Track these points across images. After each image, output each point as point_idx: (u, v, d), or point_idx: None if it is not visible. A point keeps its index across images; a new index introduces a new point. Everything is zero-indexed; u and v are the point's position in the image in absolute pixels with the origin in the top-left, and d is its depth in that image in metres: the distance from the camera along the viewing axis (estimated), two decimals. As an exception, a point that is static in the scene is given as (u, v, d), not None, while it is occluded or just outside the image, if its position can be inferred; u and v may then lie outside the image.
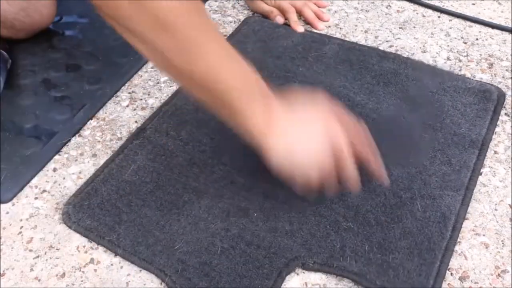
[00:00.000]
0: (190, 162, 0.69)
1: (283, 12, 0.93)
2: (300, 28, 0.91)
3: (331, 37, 0.89)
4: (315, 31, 0.92)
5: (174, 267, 0.59)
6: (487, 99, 0.76)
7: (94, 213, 0.64)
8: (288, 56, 0.85)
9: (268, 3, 0.94)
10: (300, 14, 0.94)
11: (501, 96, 0.77)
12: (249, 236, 0.61)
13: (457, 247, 0.61)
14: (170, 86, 0.82)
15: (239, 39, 0.89)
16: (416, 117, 0.74)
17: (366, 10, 0.96)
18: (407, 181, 0.66)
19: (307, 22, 0.94)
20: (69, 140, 0.74)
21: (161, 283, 0.58)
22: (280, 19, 0.93)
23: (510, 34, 0.90)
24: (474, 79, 0.80)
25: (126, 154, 0.71)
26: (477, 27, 0.92)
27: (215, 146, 0.71)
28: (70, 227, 0.63)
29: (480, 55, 0.86)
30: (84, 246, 0.62)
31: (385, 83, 0.79)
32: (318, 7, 0.96)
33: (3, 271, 0.60)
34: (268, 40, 0.88)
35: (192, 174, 0.68)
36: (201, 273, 0.58)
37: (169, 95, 0.80)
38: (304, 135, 0.56)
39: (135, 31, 0.50)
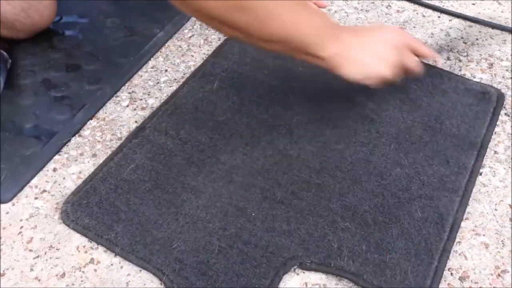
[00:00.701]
0: (189, 161, 0.69)
1: (283, 12, 0.93)
2: (300, 28, 0.90)
3: (331, 37, 0.89)
4: (315, 31, 0.91)
5: (172, 266, 0.59)
6: (487, 101, 0.76)
7: (93, 211, 0.64)
8: (288, 56, 0.85)
9: (268, 3, 0.94)
10: (300, 14, 0.94)
11: (501, 97, 0.77)
12: (246, 236, 0.61)
13: (457, 247, 0.61)
14: (170, 86, 0.82)
15: (240, 38, 0.89)
16: (416, 118, 0.74)
17: (366, 10, 0.96)
18: (406, 181, 0.66)
19: (307, 22, 0.93)
20: (69, 140, 0.74)
21: (161, 283, 0.58)
22: (280, 19, 0.92)
23: (510, 34, 0.90)
24: (474, 79, 0.80)
25: (125, 153, 0.71)
26: (477, 27, 0.92)
27: (214, 145, 0.71)
28: (68, 226, 0.64)
29: (480, 55, 0.86)
30: (84, 246, 0.62)
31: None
32: (319, 7, 0.96)
33: (3, 271, 0.60)
34: (268, 40, 0.88)
35: (191, 173, 0.68)
36: (198, 272, 0.58)
37: (169, 95, 0.80)
38: (372, 49, 0.67)
39: (219, 18, 0.58)
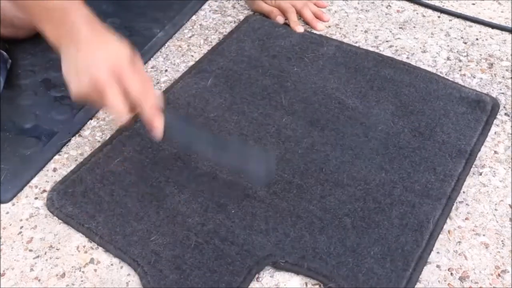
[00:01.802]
0: (176, 156, 0.71)
1: (283, 12, 0.94)
2: (299, 28, 0.91)
3: (330, 39, 0.90)
4: (315, 31, 0.92)
5: (147, 258, 0.61)
6: (481, 110, 0.77)
7: (77, 200, 0.67)
8: (284, 56, 0.85)
9: (268, 3, 0.95)
10: (300, 14, 0.94)
11: (496, 106, 0.78)
12: (224, 232, 0.63)
13: (457, 247, 0.61)
14: (170, 86, 0.82)
15: (238, 36, 0.90)
16: (407, 123, 0.74)
17: (366, 10, 0.96)
18: (389, 187, 0.67)
19: (306, 22, 0.94)
20: (69, 140, 0.75)
21: (135, 274, 0.60)
22: (280, 19, 0.93)
23: (510, 34, 0.91)
24: (470, 87, 0.81)
25: (114, 144, 0.73)
26: (477, 27, 0.92)
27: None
28: (52, 213, 0.66)
29: (480, 55, 0.86)
30: (84, 246, 0.62)
31: (379, 88, 0.80)
32: (318, 7, 0.97)
33: (3, 271, 0.60)
34: (266, 39, 0.90)
35: (176, 168, 0.70)
36: (172, 266, 0.60)
37: (164, 90, 0.80)
38: (81, 61, 0.63)
39: None
